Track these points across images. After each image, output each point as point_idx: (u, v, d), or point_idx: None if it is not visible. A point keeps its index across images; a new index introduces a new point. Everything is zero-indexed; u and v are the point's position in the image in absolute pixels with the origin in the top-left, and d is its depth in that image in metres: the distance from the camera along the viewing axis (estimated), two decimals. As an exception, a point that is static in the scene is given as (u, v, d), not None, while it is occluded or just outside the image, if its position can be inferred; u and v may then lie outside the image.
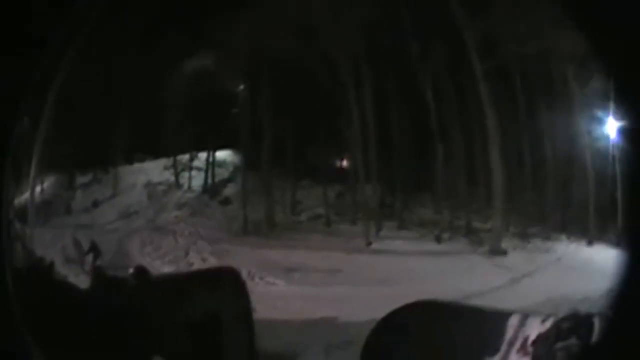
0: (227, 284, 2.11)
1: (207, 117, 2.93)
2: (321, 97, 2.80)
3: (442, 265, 2.68)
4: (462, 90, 2.86)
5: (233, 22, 2.80)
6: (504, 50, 2.84)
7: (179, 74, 2.94)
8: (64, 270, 2.47)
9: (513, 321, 1.75)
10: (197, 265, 2.77)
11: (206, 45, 2.87)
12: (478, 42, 2.81)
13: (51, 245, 2.56)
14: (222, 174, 3.06)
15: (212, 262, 2.73)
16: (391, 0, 2.88)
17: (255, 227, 2.86)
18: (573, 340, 1.74)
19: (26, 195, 2.53)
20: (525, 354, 1.76)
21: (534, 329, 1.74)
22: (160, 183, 3.14)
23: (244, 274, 2.68)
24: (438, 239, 2.78)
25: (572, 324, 1.78)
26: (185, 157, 3.11)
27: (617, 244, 2.77)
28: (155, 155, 3.13)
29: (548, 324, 1.77)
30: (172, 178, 3.12)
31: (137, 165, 3.22)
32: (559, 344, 1.74)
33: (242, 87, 2.98)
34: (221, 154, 3.07)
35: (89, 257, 2.61)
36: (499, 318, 1.79)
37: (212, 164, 3.07)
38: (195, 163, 3.10)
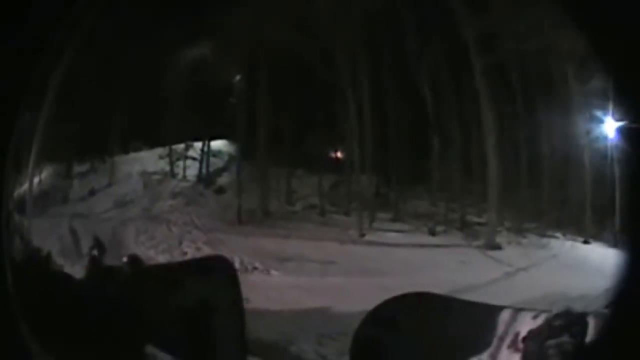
0: (218, 273, 2.09)
1: (203, 106, 2.91)
2: (318, 88, 2.78)
3: (436, 258, 2.67)
4: (460, 84, 2.84)
5: (231, 13, 2.78)
6: (503, 47, 2.82)
7: (176, 63, 2.92)
8: (60, 260, 2.46)
9: (504, 316, 1.73)
10: (191, 254, 2.75)
11: (204, 35, 2.84)
12: (477, 37, 2.79)
13: (48, 235, 2.55)
14: (217, 163, 3.05)
15: (207, 251, 2.71)
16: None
17: (250, 216, 2.84)
18: (565, 338, 1.72)
19: (25, 186, 2.52)
20: (516, 350, 1.73)
21: (525, 325, 1.72)
22: (155, 172, 3.13)
23: (238, 263, 2.68)
24: (432, 232, 2.77)
25: (565, 321, 1.75)
26: (180, 147, 3.09)
27: (614, 243, 2.76)
28: (151, 144, 3.11)
29: (540, 320, 1.75)
30: (167, 167, 3.10)
31: (133, 155, 3.20)
32: (551, 342, 1.72)
33: (239, 77, 2.97)
34: (216, 144, 3.06)
35: (94, 253, 2.59)
36: (490, 312, 1.77)
37: (207, 154, 3.06)
38: (191, 152, 3.09)
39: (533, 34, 2.75)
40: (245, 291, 2.25)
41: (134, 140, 3.15)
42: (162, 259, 2.74)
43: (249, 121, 2.86)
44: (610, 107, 2.49)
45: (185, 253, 2.78)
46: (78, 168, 3.13)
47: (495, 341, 1.73)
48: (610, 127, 2.58)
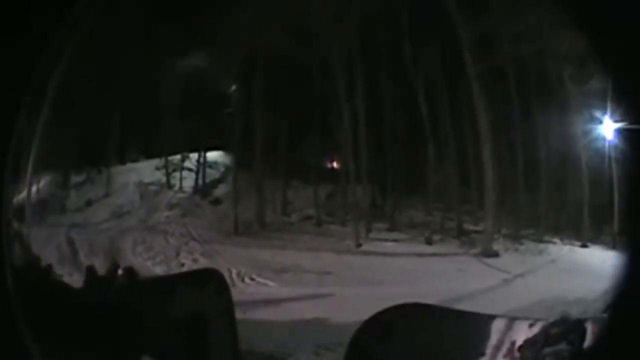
0: (210, 285, 2.09)
1: (199, 117, 2.91)
2: (313, 98, 2.78)
3: (433, 267, 2.66)
4: (455, 91, 2.83)
5: (227, 23, 2.78)
6: (499, 51, 2.82)
7: (172, 74, 2.92)
8: (59, 270, 2.45)
9: (500, 325, 1.71)
10: (188, 265, 2.74)
11: (200, 46, 2.84)
12: (472, 42, 2.79)
13: (47, 244, 2.55)
14: (213, 174, 3.04)
15: (203, 262, 2.70)
16: (387, 1, 2.86)
17: (246, 227, 2.83)
18: (562, 346, 1.70)
19: (23, 195, 2.52)
20: (512, 358, 1.71)
21: (521, 333, 1.70)
22: (152, 183, 3.12)
23: (235, 275, 2.67)
24: (429, 241, 2.76)
25: (562, 329, 1.73)
26: (176, 158, 3.09)
27: (612, 246, 2.75)
28: (148, 155, 3.11)
29: (536, 328, 1.73)
30: (164, 178, 3.10)
31: (129, 165, 3.20)
32: (547, 350, 1.70)
33: (234, 87, 2.96)
34: (212, 155, 3.05)
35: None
36: (486, 322, 1.75)
37: (203, 165, 3.05)
38: (187, 163, 3.09)
39: (530, 37, 2.74)
40: (242, 302, 2.25)
41: (131, 151, 3.14)
42: (159, 270, 2.73)
43: (244, 132, 2.86)
44: (608, 108, 2.48)
45: (183, 264, 2.77)
46: (75, 178, 3.13)
47: (491, 350, 1.71)
48: (608, 128, 2.57)
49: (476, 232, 2.80)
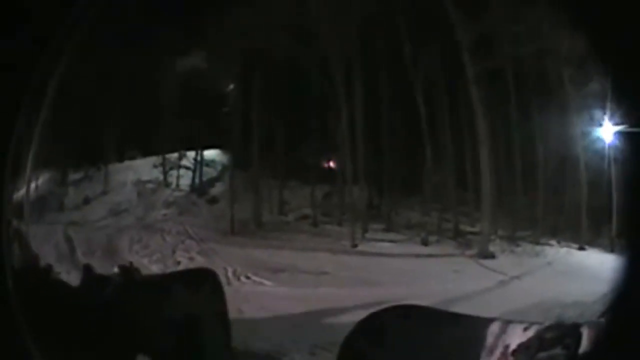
0: (204, 285, 2.09)
1: (197, 115, 2.89)
2: (311, 98, 2.77)
3: (430, 268, 2.65)
4: (454, 93, 2.82)
5: (226, 23, 2.77)
6: (498, 52, 2.81)
7: (171, 72, 2.91)
8: (57, 267, 2.44)
9: (493, 328, 1.69)
10: (185, 263, 2.73)
11: (198, 45, 2.83)
12: (472, 43, 2.77)
13: (45, 242, 2.54)
14: (210, 172, 3.03)
15: (200, 261, 2.69)
16: (386, 2, 2.85)
17: (243, 226, 2.82)
18: (557, 350, 1.68)
19: (23, 191, 2.52)
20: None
21: (515, 337, 1.68)
22: (149, 181, 3.11)
23: (231, 274, 2.66)
24: (425, 242, 2.74)
25: (557, 333, 1.71)
26: (174, 156, 3.08)
27: (610, 249, 2.74)
28: (145, 153, 3.10)
29: (530, 332, 1.71)
30: (161, 176, 3.09)
31: (127, 163, 3.18)
32: (542, 354, 1.68)
33: (232, 86, 2.95)
34: (209, 153, 3.04)
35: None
36: (480, 324, 1.73)
37: (200, 163, 3.04)
38: (184, 162, 3.07)
39: (529, 38, 2.73)
40: (238, 302, 2.24)
41: (129, 149, 3.13)
42: (155, 268, 2.72)
43: (242, 130, 2.84)
44: (608, 111, 2.47)
45: (179, 262, 2.75)
46: (73, 175, 3.12)
47: (484, 354, 1.70)
48: (607, 131, 2.56)
49: (473, 233, 2.79)
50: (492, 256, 2.72)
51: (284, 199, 2.88)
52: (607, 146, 2.63)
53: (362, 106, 2.75)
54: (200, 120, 2.90)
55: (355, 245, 2.73)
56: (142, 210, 3.05)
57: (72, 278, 2.35)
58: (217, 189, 2.99)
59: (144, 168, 3.14)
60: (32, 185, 2.70)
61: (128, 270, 2.32)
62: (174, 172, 3.09)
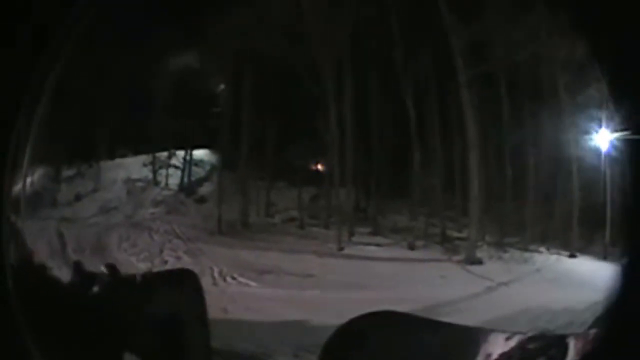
0: (184, 286, 2.07)
1: (187, 115, 2.86)
2: (301, 100, 2.73)
3: (416, 273, 2.61)
4: (445, 96, 2.78)
5: (218, 23, 2.74)
6: (491, 57, 2.77)
7: (162, 72, 2.88)
8: (49, 263, 2.42)
9: (475, 337, 1.65)
10: (172, 262, 2.70)
11: (190, 45, 2.80)
12: (465, 48, 2.74)
13: (39, 237, 2.51)
14: (199, 172, 3.00)
15: (186, 260, 2.65)
16: (380, 5, 2.81)
17: (230, 227, 2.78)
18: None
19: (19, 186, 2.51)
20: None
21: (497, 346, 1.64)
22: (139, 179, 3.07)
23: (217, 274, 2.62)
24: (412, 246, 2.71)
25: (540, 344, 1.66)
26: (164, 155, 3.04)
27: (603, 256, 2.69)
28: (136, 151, 3.06)
29: (512, 342, 1.66)
30: (151, 175, 3.05)
31: (118, 161, 3.15)
32: None
33: (222, 86, 2.92)
34: (199, 153, 3.01)
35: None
36: (461, 333, 1.70)
37: (189, 163, 3.01)
38: (173, 161, 3.04)
39: (524, 44, 2.69)
40: (224, 302, 2.21)
41: (120, 147, 3.10)
42: (143, 266, 2.69)
43: (231, 131, 2.81)
44: (604, 118, 2.44)
45: (166, 261, 2.72)
46: (67, 172, 3.09)
47: None
48: (603, 138, 2.52)
49: (460, 239, 2.75)
50: (479, 262, 2.67)
51: (271, 201, 2.84)
52: (602, 153, 2.59)
53: (351, 109, 2.72)
54: (190, 119, 2.86)
55: (341, 249, 2.70)
56: (131, 209, 3.01)
57: (64, 274, 2.33)
58: (206, 189, 2.95)
59: (135, 166, 3.10)
60: (28, 180, 2.68)
61: (115, 269, 2.30)
62: (163, 171, 3.05)
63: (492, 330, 1.65)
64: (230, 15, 2.73)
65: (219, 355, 2.11)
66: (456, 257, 2.65)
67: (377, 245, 2.72)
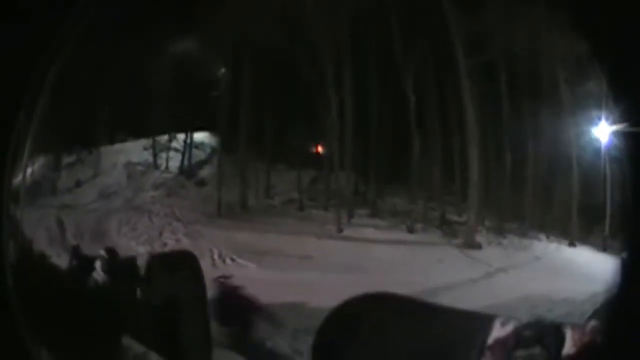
0: (184, 267, 2.06)
1: (188, 98, 2.83)
2: (301, 83, 2.70)
3: (414, 255, 2.58)
4: (445, 85, 2.74)
5: (219, 8, 2.71)
6: (492, 48, 2.74)
7: (162, 56, 2.86)
8: (48, 251, 2.41)
9: (470, 321, 1.62)
10: (171, 245, 2.67)
11: (190, 30, 2.77)
12: (465, 38, 2.71)
13: (38, 225, 2.50)
14: (199, 155, 2.96)
15: (186, 243, 2.62)
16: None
17: (229, 209, 2.75)
18: (536, 350, 1.61)
19: (19, 177, 2.51)
20: (483, 357, 1.62)
21: (492, 332, 1.61)
22: (139, 163, 3.04)
23: (217, 256, 2.59)
24: (410, 229, 2.67)
25: (536, 332, 1.63)
26: (164, 138, 3.01)
27: (603, 248, 2.65)
28: (136, 135, 3.03)
29: (508, 328, 1.63)
30: (151, 159, 3.02)
31: (118, 146, 3.12)
32: (520, 352, 1.61)
33: (223, 70, 2.88)
34: (199, 136, 2.97)
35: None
36: (456, 317, 1.66)
37: (189, 145, 2.97)
38: (174, 144, 3.00)
39: (525, 37, 2.66)
40: (215, 287, 2.20)
41: (120, 131, 3.07)
42: (142, 250, 2.66)
43: (231, 114, 2.78)
44: (604, 110, 2.42)
45: (166, 244, 2.69)
46: (67, 159, 3.06)
47: (459, 347, 1.62)
48: (603, 130, 2.49)
49: (459, 223, 2.71)
50: (478, 247, 2.63)
51: (270, 183, 2.81)
52: (602, 145, 2.55)
53: (351, 94, 2.68)
54: (190, 103, 2.83)
55: (340, 230, 2.66)
56: (131, 192, 2.98)
57: (62, 261, 2.32)
58: (206, 172, 2.92)
59: (135, 150, 3.06)
60: (29, 171, 2.67)
61: (114, 253, 2.29)
62: (163, 155, 3.02)
63: (487, 315, 1.62)
64: (233, 2, 2.71)
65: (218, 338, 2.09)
66: (455, 241, 2.62)
67: (376, 227, 2.69)
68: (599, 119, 2.48)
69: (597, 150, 2.55)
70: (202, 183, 2.89)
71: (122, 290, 2.11)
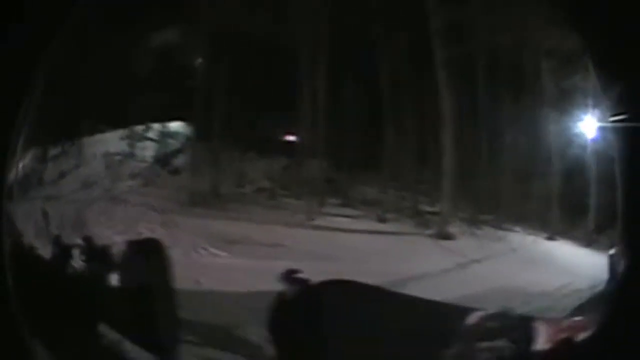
0: (152, 255, 2.08)
1: (163, 89, 2.80)
2: (274, 70, 2.66)
3: (386, 245, 2.53)
4: (421, 73, 2.69)
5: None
6: (472, 38, 2.69)
7: (141, 47, 2.84)
8: (35, 242, 2.41)
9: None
10: (146, 235, 2.64)
11: (165, 18, 2.75)
12: (444, 27, 2.66)
13: (26, 218, 2.49)
14: (174, 144, 2.93)
15: (161, 232, 2.59)
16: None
17: (202, 198, 2.72)
18: (502, 343, 1.57)
19: (13, 174, 2.53)
20: (445, 347, 1.59)
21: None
22: (117, 153, 3.02)
23: (190, 245, 2.56)
24: (382, 219, 2.63)
25: (500, 323, 1.60)
26: (140, 128, 2.98)
27: (587, 243, 2.58)
28: (114, 125, 3.00)
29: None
30: (128, 148, 2.99)
31: (98, 136, 3.10)
32: (483, 344, 1.57)
33: (200, 60, 2.86)
34: (174, 125, 2.94)
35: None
36: (419, 306, 1.64)
37: (165, 135, 2.94)
38: (150, 134, 2.97)
39: (509, 27, 2.62)
40: (195, 273, 2.19)
41: (99, 122, 3.05)
42: (119, 239, 2.63)
43: (205, 103, 2.74)
44: (590, 104, 2.38)
45: (141, 234, 2.67)
46: (52, 151, 3.05)
47: (422, 337, 1.59)
48: (589, 124, 2.44)
49: (432, 213, 2.66)
50: (451, 237, 2.58)
51: (242, 171, 2.77)
52: (588, 140, 2.50)
53: (324, 80, 2.64)
54: (166, 93, 2.80)
55: (311, 219, 2.63)
56: (109, 182, 2.95)
57: (47, 252, 2.31)
58: (180, 161, 2.88)
59: (113, 140, 3.03)
60: (21, 163, 2.68)
61: (90, 241, 2.29)
62: (140, 144, 2.99)
63: (453, 306, 1.58)
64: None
65: (189, 327, 2.07)
66: (428, 232, 2.57)
67: (348, 217, 2.65)
68: (585, 113, 2.44)
69: (583, 145, 2.50)
70: (176, 172, 2.85)
71: (97, 279, 2.14)
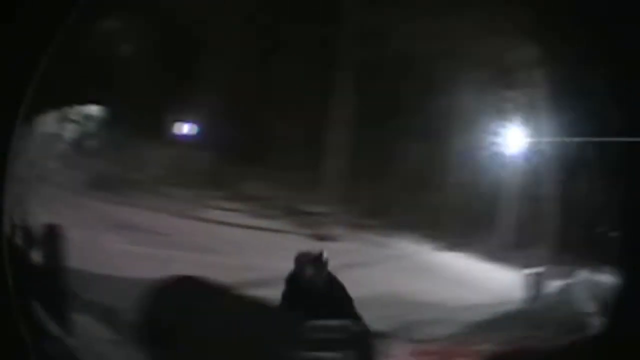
0: (49, 240, 2.18)
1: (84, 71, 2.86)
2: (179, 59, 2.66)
3: (266, 242, 2.51)
4: (322, 73, 2.64)
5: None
6: (388, 44, 2.61)
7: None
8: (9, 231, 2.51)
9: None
10: (60, 217, 2.70)
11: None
12: (356, 30, 2.59)
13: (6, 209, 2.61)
14: (90, 127, 2.96)
15: (67, 214, 2.63)
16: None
17: (104, 183, 2.76)
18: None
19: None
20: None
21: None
22: (51, 134, 3.08)
23: (86, 228, 2.59)
24: (265, 215, 2.59)
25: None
26: (66, 109, 3.04)
27: (490, 257, 2.43)
28: (47, 108, 3.07)
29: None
30: (59, 130, 3.05)
31: (41, 117, 3.18)
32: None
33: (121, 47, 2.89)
34: (92, 109, 2.98)
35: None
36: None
37: (83, 117, 2.98)
38: (73, 116, 3.03)
39: (431, 36, 2.54)
40: (82, 256, 2.23)
41: (41, 103, 3.13)
42: (36, 221, 2.70)
43: (121, 88, 2.78)
44: (522, 119, 2.30)
45: (58, 214, 2.72)
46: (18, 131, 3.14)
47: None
48: (510, 140, 2.34)
49: (315, 213, 2.59)
50: (331, 239, 2.50)
51: (142, 159, 2.79)
52: (507, 154, 2.41)
53: (220, 73, 2.62)
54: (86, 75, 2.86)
55: (197, 211, 2.63)
56: (40, 163, 3.03)
57: (19, 239, 2.43)
58: (92, 144, 2.93)
59: (48, 122, 3.12)
60: None
61: (27, 225, 2.39)
62: (67, 126, 3.05)
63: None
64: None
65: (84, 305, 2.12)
66: (308, 231, 2.51)
67: (232, 211, 2.64)
68: (510, 127, 2.35)
69: (500, 158, 2.40)
70: (90, 155, 2.89)
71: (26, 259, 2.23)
